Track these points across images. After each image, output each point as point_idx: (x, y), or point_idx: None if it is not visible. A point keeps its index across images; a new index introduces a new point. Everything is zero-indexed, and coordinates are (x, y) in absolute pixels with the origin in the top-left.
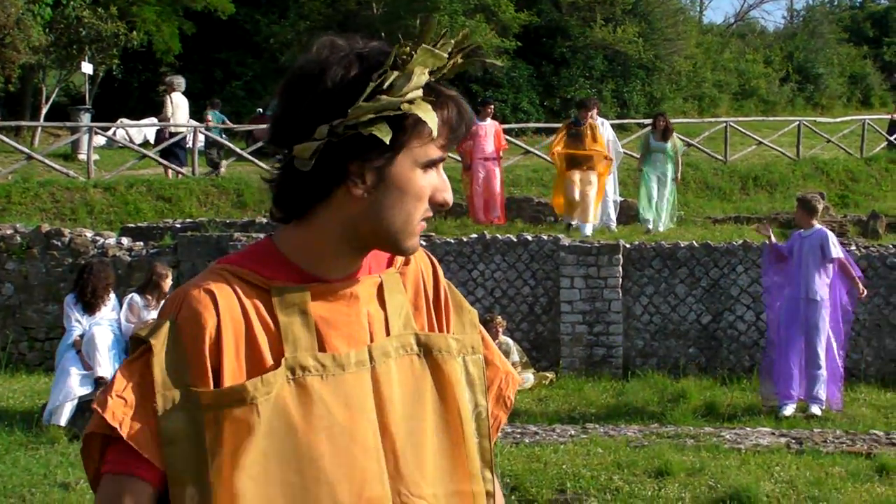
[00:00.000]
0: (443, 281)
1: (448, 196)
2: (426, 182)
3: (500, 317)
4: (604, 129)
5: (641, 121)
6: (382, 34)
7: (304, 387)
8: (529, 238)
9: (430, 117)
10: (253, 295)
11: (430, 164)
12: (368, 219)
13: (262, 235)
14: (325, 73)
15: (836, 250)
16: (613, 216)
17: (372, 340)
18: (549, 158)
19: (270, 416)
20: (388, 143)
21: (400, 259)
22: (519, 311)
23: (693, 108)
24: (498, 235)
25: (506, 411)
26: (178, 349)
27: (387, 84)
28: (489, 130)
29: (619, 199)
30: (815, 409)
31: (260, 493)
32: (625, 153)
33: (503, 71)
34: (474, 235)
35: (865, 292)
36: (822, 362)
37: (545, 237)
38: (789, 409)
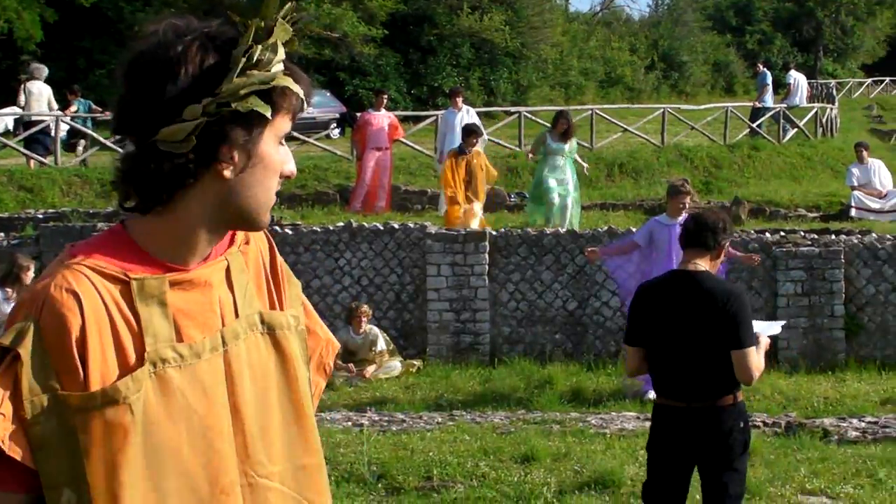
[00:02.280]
0: (278, 256)
1: (293, 167)
2: (281, 155)
3: (365, 305)
4: (469, 116)
5: (508, 108)
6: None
7: (165, 379)
8: (396, 226)
9: (297, 89)
10: (112, 288)
11: (284, 138)
12: (235, 198)
13: None
14: (182, 54)
15: None
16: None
17: (223, 325)
18: (417, 147)
19: (141, 413)
20: (269, 116)
21: (240, 238)
22: (386, 299)
23: (559, 96)
24: (364, 224)
25: (325, 378)
26: (44, 354)
27: (255, 58)
28: (382, 121)
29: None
30: None
31: (137, 490)
32: (490, 140)
33: (370, 59)
34: (341, 224)
35: (758, 258)
36: None
37: (412, 225)
38: (653, 394)
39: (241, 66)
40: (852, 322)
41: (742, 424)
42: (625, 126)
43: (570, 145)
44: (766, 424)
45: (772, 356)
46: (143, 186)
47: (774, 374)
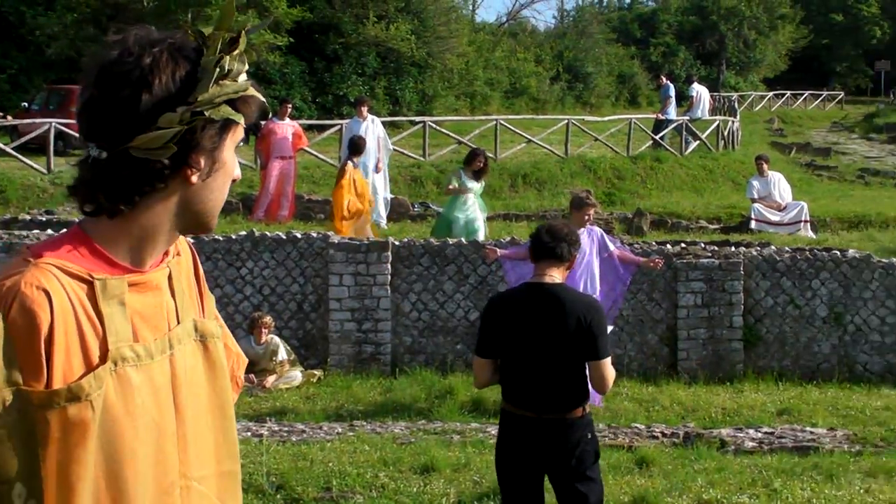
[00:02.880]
0: (201, 268)
1: (239, 171)
2: (235, 161)
3: (268, 316)
4: (374, 125)
5: (413, 118)
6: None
7: (124, 378)
8: (299, 235)
9: (261, 98)
10: (78, 288)
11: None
12: (197, 203)
13: (25, 233)
14: (154, 65)
15: (611, 244)
16: (384, 213)
17: (169, 329)
18: (321, 156)
19: (101, 410)
20: (242, 122)
21: (173, 248)
22: (288, 308)
23: (465, 106)
24: (267, 233)
25: (237, 391)
26: (10, 349)
27: (226, 69)
28: (286, 130)
29: (389, 196)
30: None
31: (91, 486)
32: (394, 150)
33: (275, 67)
34: (243, 233)
35: (661, 261)
36: None
37: (315, 234)
38: None
39: (216, 75)
40: (751, 333)
41: (590, 435)
42: (529, 137)
43: (482, 184)
44: (664, 435)
45: (671, 367)
46: (114, 191)
47: (674, 384)
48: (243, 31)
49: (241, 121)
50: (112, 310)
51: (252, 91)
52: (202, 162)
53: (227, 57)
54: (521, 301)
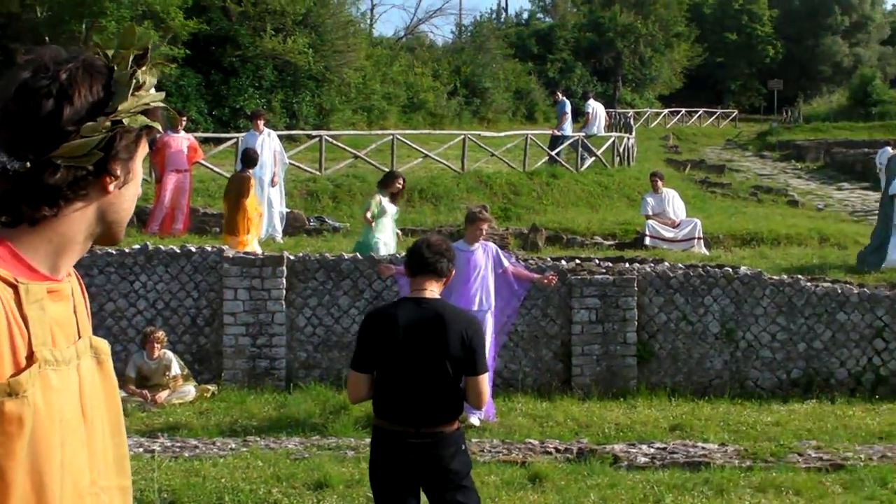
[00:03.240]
0: (84, 289)
1: (140, 188)
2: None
3: (161, 330)
4: (270, 139)
5: (310, 132)
6: (47, 38)
7: (46, 380)
8: (193, 249)
9: (169, 111)
10: (4, 291)
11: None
12: (111, 212)
13: None
14: (73, 79)
15: (507, 261)
16: (280, 228)
17: (75, 340)
18: (217, 169)
19: (32, 409)
20: (160, 129)
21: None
22: (181, 323)
23: (362, 120)
24: (161, 246)
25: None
26: None
27: (140, 81)
28: (181, 143)
29: (285, 210)
30: (475, 420)
31: (22, 482)
32: (291, 163)
33: (171, 79)
34: (137, 246)
35: (555, 278)
36: None
37: (209, 248)
38: (476, 420)
39: (133, 86)
40: (644, 349)
41: (463, 447)
42: (426, 152)
43: (398, 208)
44: (557, 451)
45: (565, 382)
46: (38, 200)
47: (568, 400)
48: (149, 46)
49: (160, 128)
50: (35, 314)
51: (162, 104)
52: (118, 170)
53: (139, 70)
54: (400, 316)
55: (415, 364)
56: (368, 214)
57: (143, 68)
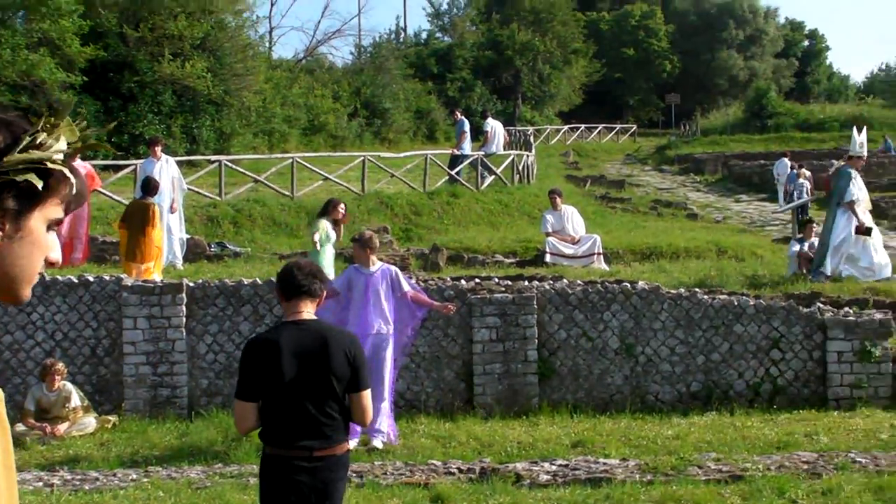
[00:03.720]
0: None
1: (58, 255)
2: (49, 239)
3: (60, 362)
4: (168, 166)
5: (210, 157)
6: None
7: None
8: (91, 279)
9: (73, 179)
10: None
11: (54, 223)
12: (2, 264)
13: None
14: None
15: (407, 285)
16: (180, 255)
17: None
18: (116, 196)
19: None
20: (40, 188)
21: None
22: (81, 353)
23: (263, 144)
24: (58, 276)
25: None
26: None
27: (38, 141)
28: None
29: (185, 237)
30: (377, 443)
31: None
32: (191, 189)
33: (70, 106)
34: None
35: (453, 307)
36: (387, 395)
37: (107, 277)
38: (352, 443)
39: (24, 144)
40: (545, 367)
41: (348, 469)
42: (326, 174)
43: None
44: (460, 471)
45: (468, 402)
46: None
47: (470, 419)
48: (67, 119)
49: (40, 185)
50: None
51: (60, 166)
52: (6, 223)
53: (44, 133)
54: (283, 340)
55: (303, 386)
56: (316, 237)
57: (54, 133)
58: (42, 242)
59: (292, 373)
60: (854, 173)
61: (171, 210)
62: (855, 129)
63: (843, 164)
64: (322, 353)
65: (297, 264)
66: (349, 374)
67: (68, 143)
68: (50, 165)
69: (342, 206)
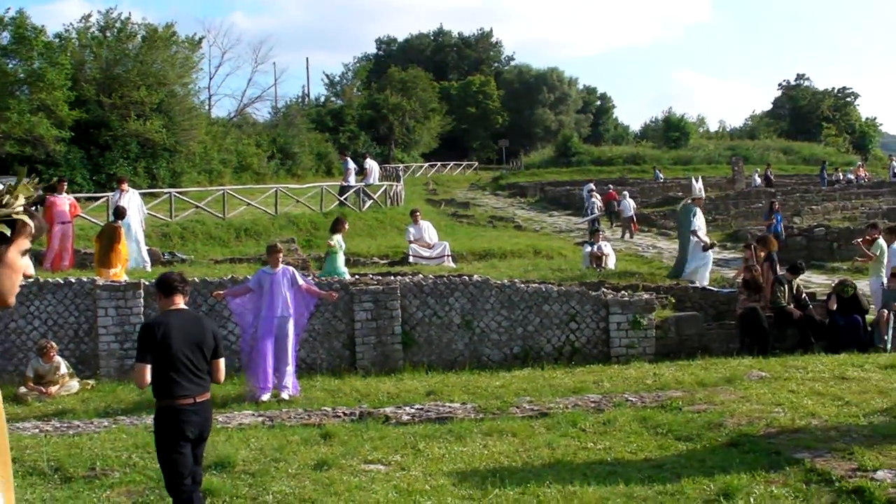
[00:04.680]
0: None
1: (32, 270)
2: (24, 262)
3: (52, 342)
4: (134, 196)
5: (165, 189)
6: None
7: None
8: (73, 280)
9: (31, 223)
10: None
11: (25, 252)
12: None
13: None
14: None
15: (302, 280)
16: (148, 260)
17: None
18: (94, 220)
19: None
20: (9, 234)
21: None
22: (67, 335)
23: (205, 179)
24: (49, 279)
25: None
26: None
27: (3, 202)
28: (64, 201)
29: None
30: (285, 395)
31: None
32: (149, 213)
33: (62, 154)
34: (31, 279)
35: (336, 295)
36: (290, 360)
37: (85, 279)
38: (266, 396)
39: None
40: (408, 338)
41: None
42: (249, 201)
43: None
44: (345, 414)
45: (351, 364)
46: None
47: (353, 377)
48: (23, 183)
49: (8, 233)
50: None
51: (21, 216)
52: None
53: (7, 196)
54: (171, 322)
55: (186, 354)
56: (332, 242)
57: (14, 193)
58: (18, 267)
59: (179, 344)
60: (696, 210)
61: (142, 227)
62: (693, 178)
63: (689, 202)
64: (198, 330)
65: (171, 273)
66: (214, 345)
67: (26, 199)
68: (14, 216)
69: (346, 222)
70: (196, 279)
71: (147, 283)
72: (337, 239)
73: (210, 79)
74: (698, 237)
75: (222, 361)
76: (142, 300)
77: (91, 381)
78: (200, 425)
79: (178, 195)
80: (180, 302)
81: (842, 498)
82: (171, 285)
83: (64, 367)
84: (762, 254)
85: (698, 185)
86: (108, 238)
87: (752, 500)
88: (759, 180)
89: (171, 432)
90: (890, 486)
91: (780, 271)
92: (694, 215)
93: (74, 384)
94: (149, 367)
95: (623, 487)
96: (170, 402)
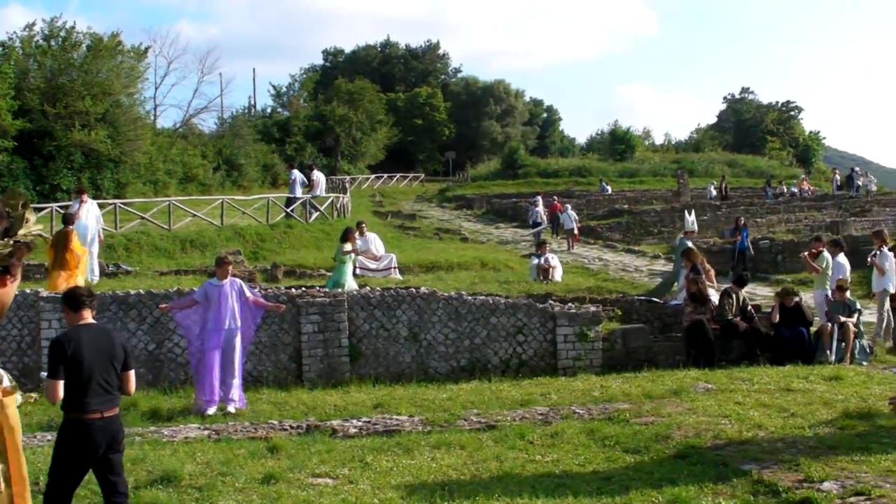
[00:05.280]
0: None
1: None
2: None
3: None
4: (92, 207)
5: (109, 200)
6: None
7: None
8: (17, 292)
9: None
10: None
11: None
12: (4, 301)
13: None
14: None
15: (249, 292)
16: (97, 273)
17: None
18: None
19: None
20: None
21: None
22: (10, 347)
23: (150, 191)
24: None
25: None
26: None
27: (27, 218)
28: None
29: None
30: (231, 408)
31: None
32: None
33: (4, 164)
34: None
35: (283, 307)
36: (237, 373)
37: (28, 291)
38: (212, 410)
39: (23, 222)
40: (354, 350)
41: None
42: (194, 212)
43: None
44: (291, 427)
45: (298, 377)
46: None
47: (300, 390)
48: (27, 200)
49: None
50: None
51: (43, 235)
52: (15, 272)
53: (26, 212)
54: (81, 337)
55: (98, 367)
56: (348, 246)
57: (27, 211)
58: (18, 280)
59: (90, 359)
60: (689, 242)
61: (99, 239)
62: (686, 211)
63: (682, 236)
64: (108, 344)
65: (78, 288)
66: (123, 357)
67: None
68: (32, 236)
69: (355, 232)
70: (141, 291)
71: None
72: (347, 248)
73: (156, 89)
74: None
75: (132, 373)
76: None
77: (34, 395)
78: (107, 439)
79: (123, 206)
80: (88, 316)
81: None
82: (79, 300)
83: (6, 381)
84: (687, 266)
85: (691, 219)
86: (63, 243)
87: None
88: (714, 192)
89: (73, 446)
90: (836, 498)
91: (725, 284)
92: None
93: (18, 397)
94: (61, 382)
95: (572, 500)
96: (77, 416)
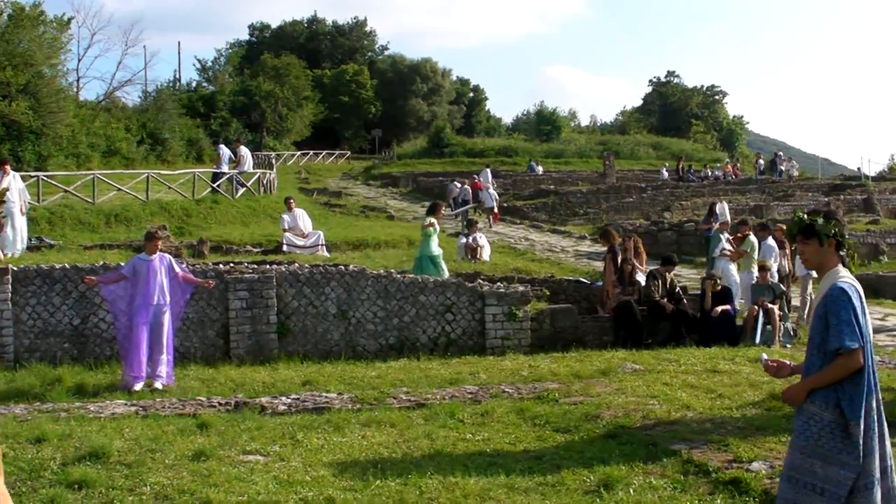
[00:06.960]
0: None
1: None
2: None
3: None
4: (15, 180)
5: (31, 173)
6: None
7: None
8: None
9: None
10: None
11: None
12: None
13: None
14: None
15: (178, 268)
16: (20, 246)
17: None
18: None
19: None
20: None
21: None
22: None
23: (73, 164)
24: None
25: None
26: None
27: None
28: None
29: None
30: (158, 385)
31: None
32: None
33: None
34: None
35: (213, 283)
36: (165, 349)
37: None
38: (139, 386)
39: None
40: (283, 327)
41: None
42: (119, 186)
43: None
44: (220, 404)
45: (226, 354)
46: None
47: (228, 366)
48: None
49: None
50: None
51: None
52: None
53: None
54: None
55: None
56: (428, 223)
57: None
58: None
59: None
60: (724, 235)
61: (21, 212)
62: (718, 203)
63: (716, 227)
64: None
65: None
66: None
67: None
68: None
69: (443, 206)
70: (66, 265)
71: (15, 268)
72: (433, 221)
73: (79, 61)
74: (727, 255)
75: None
76: (9, 286)
77: None
78: None
79: (46, 179)
80: None
81: (719, 489)
82: None
83: None
84: (606, 247)
85: (724, 208)
86: None
87: (631, 491)
88: (666, 174)
89: None
90: (765, 477)
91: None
92: (720, 240)
93: None
94: None
95: (504, 478)
96: None
